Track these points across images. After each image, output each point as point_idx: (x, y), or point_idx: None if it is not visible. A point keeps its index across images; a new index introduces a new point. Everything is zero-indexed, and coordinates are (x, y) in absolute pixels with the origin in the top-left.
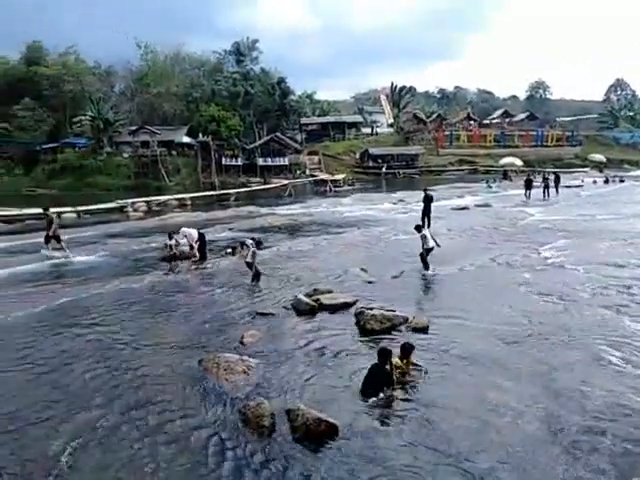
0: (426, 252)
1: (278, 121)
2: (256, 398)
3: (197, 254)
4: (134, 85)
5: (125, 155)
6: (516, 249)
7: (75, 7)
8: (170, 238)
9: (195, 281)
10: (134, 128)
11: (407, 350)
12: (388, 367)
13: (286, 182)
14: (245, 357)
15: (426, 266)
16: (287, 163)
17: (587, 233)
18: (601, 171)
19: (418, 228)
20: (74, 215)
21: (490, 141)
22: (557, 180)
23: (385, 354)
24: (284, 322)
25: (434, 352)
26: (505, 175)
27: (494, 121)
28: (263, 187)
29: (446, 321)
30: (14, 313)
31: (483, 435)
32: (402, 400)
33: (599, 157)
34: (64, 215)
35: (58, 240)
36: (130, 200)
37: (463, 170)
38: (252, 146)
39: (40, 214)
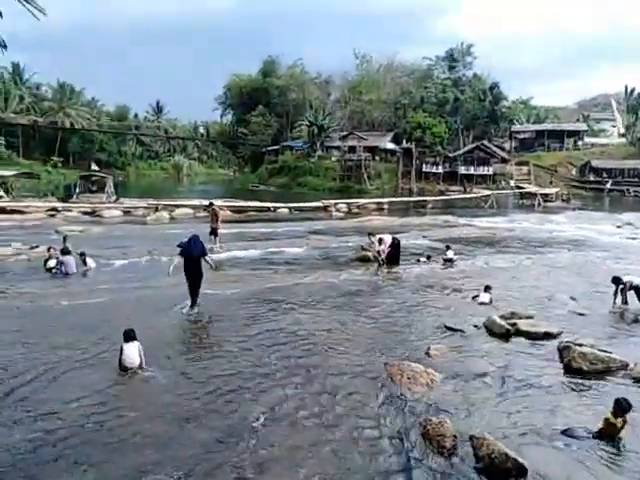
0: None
1: (486, 128)
2: (438, 415)
3: (381, 252)
4: (348, 93)
5: (333, 159)
6: None
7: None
8: (369, 237)
9: (386, 284)
10: (344, 134)
11: (623, 407)
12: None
13: (488, 193)
14: (430, 370)
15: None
16: (491, 173)
17: None
18: None
19: (616, 280)
20: (287, 211)
21: None
22: None
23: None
24: (474, 341)
25: None
26: None
27: None
28: (462, 196)
29: None
30: (233, 290)
31: None
32: (611, 454)
33: None
34: (279, 210)
35: (216, 234)
36: (333, 201)
37: None
38: (455, 154)
39: (262, 207)
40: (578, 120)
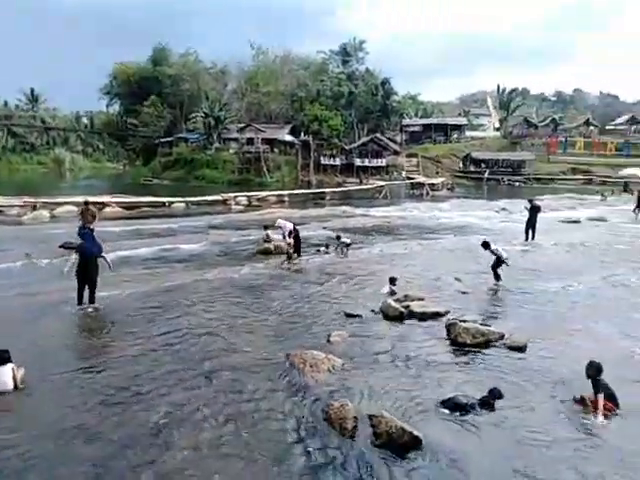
0: (500, 262)
1: (379, 122)
2: (340, 399)
3: (291, 244)
4: (245, 84)
5: (231, 151)
6: (634, 270)
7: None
8: (266, 229)
9: (288, 276)
10: (242, 126)
11: (494, 395)
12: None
13: (382, 184)
14: (331, 356)
15: (497, 277)
16: (384, 164)
17: None
18: None
19: (486, 245)
20: (183, 205)
21: (611, 149)
22: None
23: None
24: (371, 325)
25: (528, 374)
26: (625, 187)
27: (618, 127)
28: (359, 187)
29: (545, 342)
30: (128, 291)
31: (580, 467)
32: (492, 423)
33: None
34: (175, 205)
35: None
36: (233, 194)
37: (576, 180)
38: (351, 146)
39: (156, 202)
40: (460, 115)
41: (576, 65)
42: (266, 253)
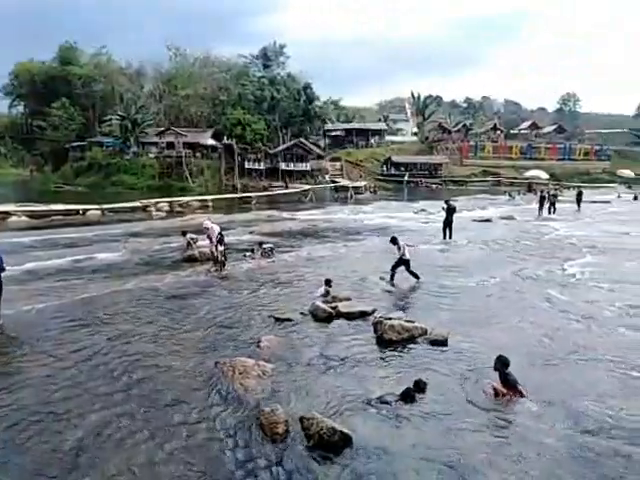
0: (401, 263)
1: (302, 126)
2: (271, 404)
3: (218, 247)
4: (162, 87)
5: (151, 155)
6: (540, 264)
7: (108, 10)
8: (184, 235)
9: (214, 283)
10: (161, 129)
11: (419, 387)
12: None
13: (307, 187)
14: (261, 362)
15: (392, 277)
16: (309, 168)
17: (613, 250)
18: (630, 187)
19: (394, 240)
20: (99, 213)
21: (516, 153)
22: (579, 196)
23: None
24: (301, 328)
25: (450, 366)
26: (530, 188)
27: (521, 132)
28: (285, 191)
29: (465, 335)
30: (38, 305)
31: (496, 458)
32: (417, 415)
33: (628, 173)
34: (90, 212)
35: None
36: (153, 200)
37: (487, 181)
38: (275, 150)
39: (69, 210)
40: (380, 120)
41: (484, 74)
42: (191, 260)
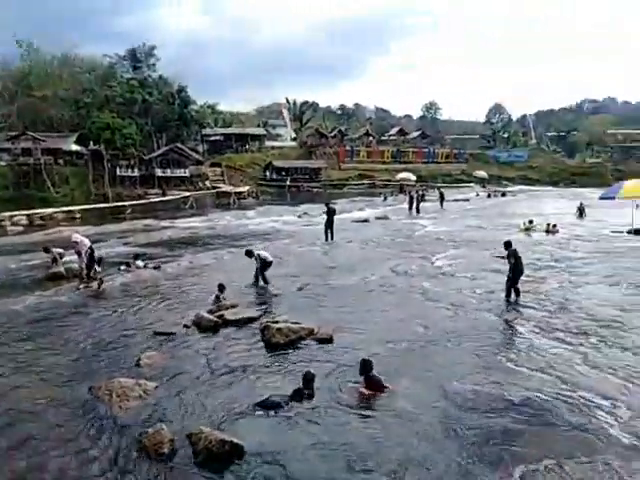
0: (266, 266)
1: (178, 131)
2: (155, 424)
3: (85, 262)
4: (13, 87)
5: (2, 163)
6: (412, 259)
7: None
8: (47, 252)
9: (86, 302)
10: (14, 134)
11: (309, 379)
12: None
13: (187, 194)
14: (142, 381)
15: (265, 281)
16: (188, 174)
17: (473, 243)
18: (484, 186)
19: (249, 253)
20: None
21: (387, 157)
22: (441, 196)
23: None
24: (185, 341)
25: (335, 362)
26: (402, 189)
27: (391, 138)
28: (162, 199)
29: (350, 331)
30: None
31: (380, 444)
32: (307, 414)
33: (482, 174)
34: None
35: None
36: (8, 213)
37: (363, 184)
38: (150, 156)
39: None
40: (259, 125)
41: (356, 82)
42: (57, 278)
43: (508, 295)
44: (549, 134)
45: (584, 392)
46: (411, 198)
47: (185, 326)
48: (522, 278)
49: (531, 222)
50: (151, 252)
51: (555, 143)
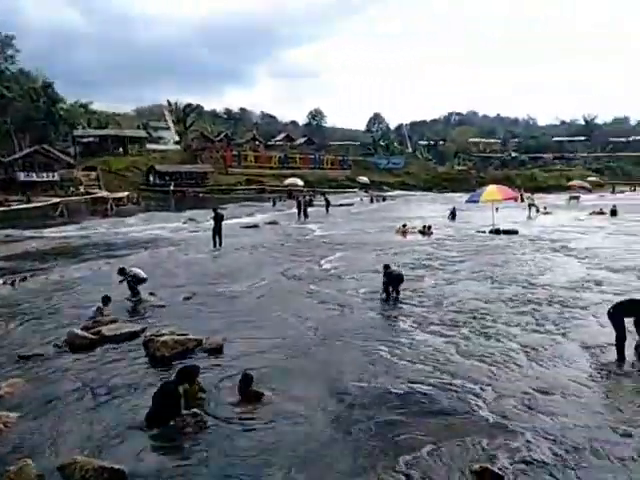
0: (139, 282)
1: (45, 131)
2: (19, 460)
3: None
4: None
5: None
6: (302, 263)
7: None
8: None
9: None
10: None
11: (191, 373)
12: (181, 390)
13: (57, 200)
14: (2, 413)
15: (135, 294)
16: (57, 179)
17: (358, 245)
18: (367, 192)
19: (121, 271)
20: None
21: (275, 162)
22: (326, 201)
23: (185, 374)
24: (55, 363)
25: (225, 372)
26: (290, 194)
27: (278, 143)
28: (26, 206)
29: (242, 338)
30: None
31: (272, 450)
32: (192, 426)
33: (364, 179)
34: None
35: None
36: None
37: (252, 189)
38: (11, 158)
39: None
40: (139, 127)
41: (242, 87)
42: None
43: (387, 295)
44: (422, 143)
45: (457, 379)
46: (299, 203)
47: (56, 346)
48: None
49: (404, 226)
50: (12, 266)
51: (428, 151)
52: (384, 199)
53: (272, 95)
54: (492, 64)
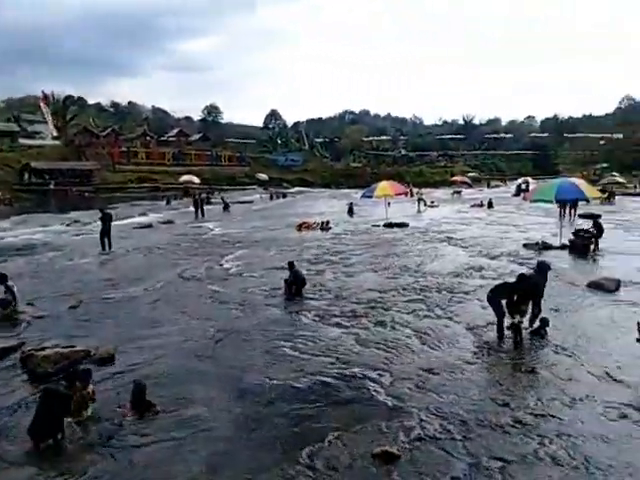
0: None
1: None
2: None
3: None
4: None
5: None
6: (200, 263)
7: None
8: None
9: None
10: None
11: (79, 374)
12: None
13: None
14: None
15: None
16: None
17: (259, 243)
18: (266, 189)
19: (2, 277)
20: None
21: (169, 159)
22: (223, 199)
23: (74, 376)
24: None
25: (116, 381)
26: (186, 192)
27: (171, 139)
28: None
29: (136, 346)
30: None
31: (171, 462)
32: (79, 444)
33: (263, 176)
34: None
35: None
36: None
37: (145, 187)
38: None
39: None
40: (9, 120)
41: (130, 80)
42: None
43: (290, 293)
44: (319, 140)
45: (357, 368)
46: (196, 201)
47: None
48: (304, 272)
49: (304, 222)
50: None
51: (325, 149)
52: (284, 196)
53: (164, 89)
54: (388, 64)
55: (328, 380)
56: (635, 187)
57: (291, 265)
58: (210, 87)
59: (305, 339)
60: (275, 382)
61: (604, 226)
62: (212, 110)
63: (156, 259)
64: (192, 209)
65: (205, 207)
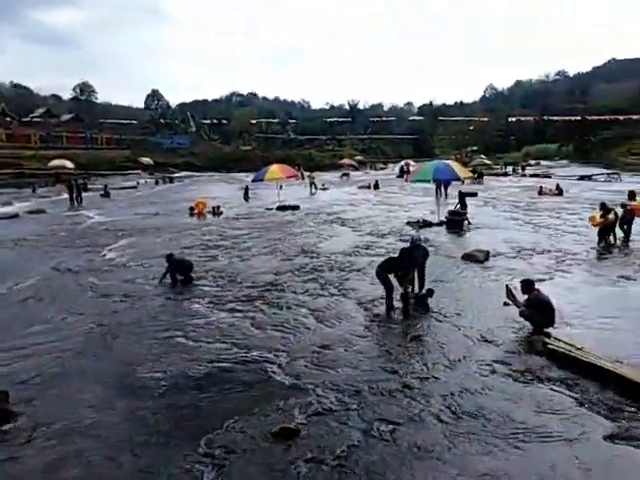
0: None
1: None
2: None
3: None
4: None
5: None
6: (79, 254)
7: None
8: None
9: None
10: None
11: None
12: None
13: None
14: None
15: None
16: None
17: (145, 230)
18: (152, 173)
19: None
20: None
21: (35, 142)
22: (106, 191)
23: None
24: None
25: None
26: (58, 178)
27: (35, 119)
28: None
29: (1, 350)
30: None
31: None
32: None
33: (147, 160)
34: None
35: None
36: None
37: (7, 174)
38: None
39: None
40: None
41: None
42: None
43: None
44: (206, 122)
45: (255, 351)
46: (71, 187)
47: None
48: (194, 259)
49: (192, 209)
50: None
51: (212, 131)
52: (172, 180)
53: (25, 64)
54: (278, 45)
55: (225, 365)
56: (501, 168)
57: (169, 257)
58: (84, 65)
59: (198, 326)
60: (169, 374)
61: (474, 203)
62: (85, 88)
63: (26, 252)
64: (66, 196)
65: (82, 194)
